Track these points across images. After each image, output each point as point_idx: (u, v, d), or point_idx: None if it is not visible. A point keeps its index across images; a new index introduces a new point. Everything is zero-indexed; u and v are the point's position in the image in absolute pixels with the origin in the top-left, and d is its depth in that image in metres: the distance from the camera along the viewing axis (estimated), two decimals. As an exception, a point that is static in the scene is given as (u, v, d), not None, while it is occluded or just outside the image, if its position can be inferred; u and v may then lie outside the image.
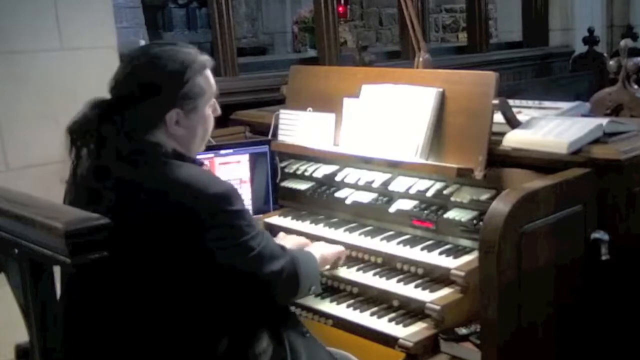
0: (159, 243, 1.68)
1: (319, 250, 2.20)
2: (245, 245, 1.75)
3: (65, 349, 1.73)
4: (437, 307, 2.02)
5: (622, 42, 3.00)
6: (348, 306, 2.21)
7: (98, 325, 1.74)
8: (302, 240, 2.42)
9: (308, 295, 2.12)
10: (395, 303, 2.17)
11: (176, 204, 1.68)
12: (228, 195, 1.73)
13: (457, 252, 2.21)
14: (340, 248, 2.33)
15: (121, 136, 1.73)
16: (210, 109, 1.91)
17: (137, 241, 1.68)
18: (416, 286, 2.16)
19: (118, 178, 1.71)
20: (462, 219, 2.23)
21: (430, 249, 2.26)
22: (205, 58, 1.86)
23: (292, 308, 2.17)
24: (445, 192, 2.28)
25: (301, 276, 1.93)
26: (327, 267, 2.27)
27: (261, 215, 2.74)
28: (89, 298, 1.75)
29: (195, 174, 1.75)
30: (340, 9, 8.96)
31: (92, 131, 1.76)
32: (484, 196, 2.18)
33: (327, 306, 2.24)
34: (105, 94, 1.84)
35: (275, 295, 1.90)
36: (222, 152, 2.72)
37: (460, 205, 2.26)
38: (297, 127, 2.71)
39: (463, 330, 2.00)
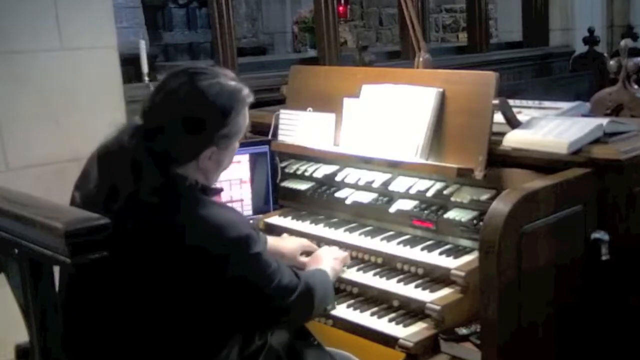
0: (173, 277, 1.67)
1: (329, 265, 2.17)
2: (265, 278, 1.75)
3: (67, 352, 1.74)
4: (437, 307, 2.02)
5: (623, 42, 3.00)
6: (348, 306, 2.21)
7: (100, 333, 1.74)
8: (305, 242, 2.42)
9: (323, 315, 2.14)
10: (396, 303, 2.17)
11: (195, 245, 1.66)
12: (246, 240, 1.72)
13: (457, 252, 2.21)
14: (344, 254, 2.32)
15: (155, 167, 1.67)
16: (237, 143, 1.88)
17: (152, 273, 1.67)
18: (416, 286, 2.16)
19: (144, 208, 1.66)
20: (462, 219, 2.22)
21: (430, 249, 2.26)
22: (247, 94, 1.81)
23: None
24: (445, 192, 2.28)
25: (315, 303, 1.94)
26: None
27: (261, 216, 2.74)
28: (93, 308, 1.75)
29: (216, 215, 1.70)
30: (341, 9, 8.94)
31: (127, 159, 1.68)
32: (484, 196, 2.18)
33: (327, 306, 2.24)
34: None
35: (289, 322, 1.95)
36: (222, 152, 2.72)
37: (460, 206, 2.26)
38: (297, 127, 2.71)
39: (463, 331, 1.99)
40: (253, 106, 1.96)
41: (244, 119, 1.83)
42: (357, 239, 2.43)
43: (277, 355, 1.91)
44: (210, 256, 1.67)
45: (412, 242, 2.33)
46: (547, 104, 2.58)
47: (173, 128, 1.70)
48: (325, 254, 2.28)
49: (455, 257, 2.17)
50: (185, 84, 1.73)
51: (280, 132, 2.78)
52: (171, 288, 1.68)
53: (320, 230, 2.55)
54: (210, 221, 1.68)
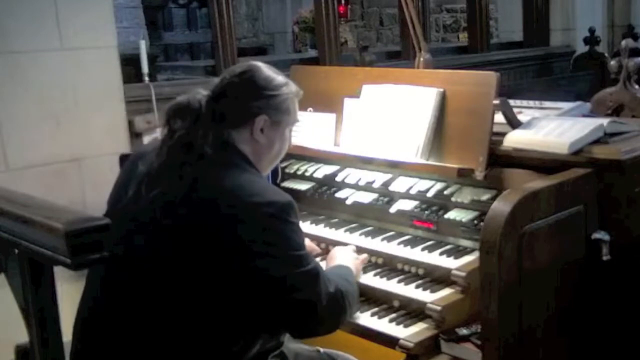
0: (209, 238, 1.68)
1: (351, 263, 2.14)
2: (295, 259, 1.72)
3: (86, 342, 1.77)
4: (438, 308, 2.01)
5: (623, 42, 3.00)
6: (348, 306, 2.21)
7: (125, 321, 1.74)
8: (309, 244, 2.40)
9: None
10: (396, 303, 2.16)
11: (233, 205, 1.69)
12: (287, 206, 1.73)
13: (457, 252, 2.20)
14: (363, 256, 2.29)
15: (213, 122, 1.83)
16: (289, 133, 2.00)
17: (189, 232, 1.70)
18: (417, 286, 2.15)
19: (198, 160, 1.76)
20: (463, 220, 2.22)
21: (430, 249, 2.25)
22: (298, 88, 2.00)
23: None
24: (446, 192, 2.27)
25: (348, 309, 1.87)
26: None
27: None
28: (123, 292, 1.75)
29: (260, 181, 1.81)
30: (341, 9, 8.95)
31: (191, 111, 1.84)
32: (485, 196, 2.18)
33: (328, 306, 2.23)
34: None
35: (320, 321, 1.79)
36: (223, 152, 2.71)
37: (461, 206, 2.25)
38: (297, 127, 2.70)
39: (464, 331, 1.99)
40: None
41: (294, 107, 1.98)
42: (357, 239, 2.43)
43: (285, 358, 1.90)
44: (246, 214, 1.69)
45: (413, 242, 2.33)
46: (547, 104, 2.58)
47: (233, 90, 1.89)
48: (346, 253, 2.23)
49: (456, 258, 2.17)
50: (247, 64, 1.98)
51: (280, 132, 2.77)
52: (201, 251, 1.68)
53: (321, 230, 2.54)
54: (250, 184, 1.75)
